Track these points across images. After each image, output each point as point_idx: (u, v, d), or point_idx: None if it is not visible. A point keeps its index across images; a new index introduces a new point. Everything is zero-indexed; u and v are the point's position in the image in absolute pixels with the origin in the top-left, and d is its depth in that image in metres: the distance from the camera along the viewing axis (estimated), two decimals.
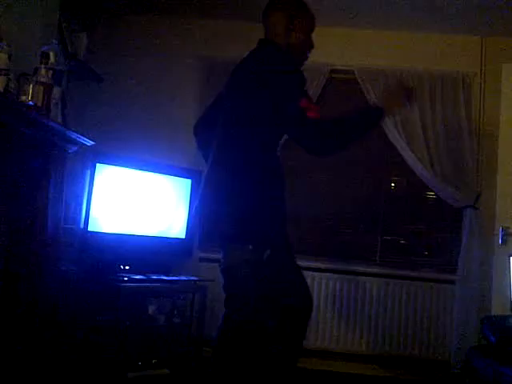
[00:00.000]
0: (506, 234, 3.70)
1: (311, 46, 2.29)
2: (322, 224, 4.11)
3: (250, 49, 4.17)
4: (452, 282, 3.83)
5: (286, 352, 2.20)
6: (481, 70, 3.96)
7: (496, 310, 3.65)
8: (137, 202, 3.55)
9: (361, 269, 3.96)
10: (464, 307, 3.73)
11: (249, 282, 2.03)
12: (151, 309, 3.45)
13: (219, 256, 4.07)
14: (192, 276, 3.61)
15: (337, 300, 3.90)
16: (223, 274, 2.12)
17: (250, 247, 1.98)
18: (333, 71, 4.05)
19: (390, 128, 3.91)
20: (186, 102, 4.10)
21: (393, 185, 4.15)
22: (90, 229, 3.34)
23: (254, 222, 2.00)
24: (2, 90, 2.36)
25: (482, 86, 3.95)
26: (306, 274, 3.85)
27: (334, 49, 4.02)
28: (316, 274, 3.79)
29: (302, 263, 3.85)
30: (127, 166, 3.51)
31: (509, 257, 3.58)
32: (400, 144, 3.91)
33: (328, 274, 3.87)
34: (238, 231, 2.02)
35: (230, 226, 2.03)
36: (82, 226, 3.37)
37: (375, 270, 3.97)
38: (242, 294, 2.05)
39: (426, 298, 3.88)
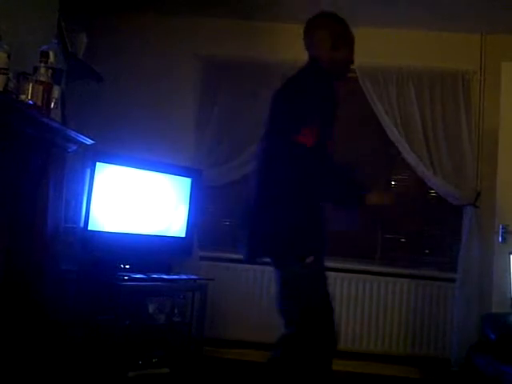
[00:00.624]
0: (505, 232, 3.70)
1: (352, 60, 2.32)
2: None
3: (248, 47, 4.21)
4: (452, 280, 3.83)
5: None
6: (480, 67, 3.95)
7: (496, 307, 3.65)
8: (137, 200, 3.55)
9: (361, 267, 3.96)
10: (464, 305, 3.74)
11: (307, 286, 2.13)
12: (151, 308, 3.45)
13: (219, 255, 4.10)
14: (192, 275, 3.61)
15: (336, 298, 3.89)
16: (283, 285, 2.20)
17: (311, 258, 2.08)
18: None
19: (390, 127, 3.91)
20: (186, 100, 4.11)
21: (393, 183, 4.15)
22: (90, 228, 3.34)
23: (307, 236, 2.10)
24: (1, 89, 2.35)
25: (482, 83, 3.95)
26: None
27: None
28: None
29: None
30: (127, 165, 3.51)
31: (509, 255, 3.58)
32: (400, 142, 3.91)
33: (328, 272, 3.86)
34: (293, 247, 2.09)
35: (286, 244, 2.10)
36: (82, 224, 3.37)
37: (375, 268, 3.97)
38: (306, 298, 2.12)
39: (427, 296, 3.88)
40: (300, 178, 2.06)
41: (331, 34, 2.24)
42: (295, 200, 2.08)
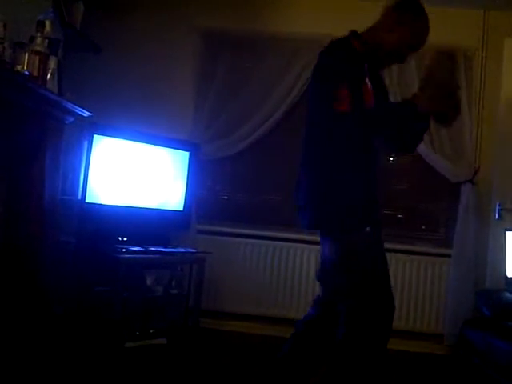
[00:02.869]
0: (502, 209, 3.71)
1: (410, 44, 2.22)
2: None
3: (247, 19, 4.16)
4: (448, 256, 3.86)
5: None
6: (482, 44, 3.91)
7: (491, 284, 3.69)
8: (135, 173, 3.55)
9: None
10: (459, 281, 3.77)
11: (369, 257, 2.07)
12: (149, 280, 3.48)
13: (217, 228, 4.11)
14: (190, 248, 3.63)
15: None
16: (340, 261, 2.08)
17: (368, 229, 2.04)
18: None
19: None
20: (185, 73, 4.06)
21: (391, 159, 4.14)
22: (87, 200, 3.35)
23: (361, 207, 2.07)
24: None
25: (484, 60, 3.91)
26: (302, 247, 3.93)
27: (334, 20, 3.97)
28: (312, 246, 3.80)
29: (298, 236, 3.92)
30: (125, 138, 3.50)
31: (504, 232, 3.60)
32: None
33: None
34: (349, 219, 2.05)
35: (341, 218, 2.05)
36: (79, 197, 3.38)
37: None
38: (366, 270, 2.06)
39: (422, 272, 3.91)
40: (342, 145, 2.05)
41: (394, 20, 2.19)
42: (351, 170, 2.08)
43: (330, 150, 2.09)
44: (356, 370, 2.07)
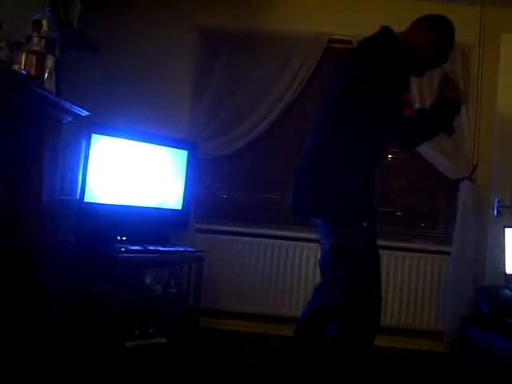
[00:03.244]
0: (501, 206, 3.71)
1: (442, 62, 2.39)
2: None
3: (245, 17, 4.15)
4: (447, 254, 3.86)
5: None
6: (479, 40, 3.91)
7: (490, 281, 3.69)
8: (133, 172, 3.55)
9: None
10: (458, 278, 3.77)
11: (365, 250, 2.22)
12: (148, 279, 3.48)
13: (215, 227, 4.11)
14: (188, 247, 3.63)
15: None
16: (336, 252, 2.19)
17: (365, 224, 2.15)
18: (331, 41, 4.00)
19: None
20: (182, 71, 4.06)
21: (389, 156, 4.14)
22: (86, 200, 3.35)
23: (362, 202, 2.16)
24: None
25: (481, 56, 3.91)
26: (301, 245, 3.93)
27: (332, 18, 3.97)
28: (311, 244, 3.80)
29: (296, 234, 3.92)
30: (123, 137, 3.49)
31: (503, 228, 3.60)
32: None
33: None
34: (350, 211, 2.15)
35: (344, 209, 2.14)
36: (78, 196, 3.37)
37: None
38: (361, 262, 2.19)
39: (421, 269, 3.91)
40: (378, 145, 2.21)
41: (432, 39, 2.34)
42: (360, 165, 2.16)
43: (344, 144, 2.14)
44: (349, 365, 2.14)
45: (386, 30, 2.28)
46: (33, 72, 2.56)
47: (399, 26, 3.90)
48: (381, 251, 3.88)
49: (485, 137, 3.87)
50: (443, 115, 2.25)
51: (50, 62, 2.74)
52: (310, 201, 2.19)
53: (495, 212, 3.74)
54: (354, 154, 2.14)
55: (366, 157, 2.17)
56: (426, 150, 3.86)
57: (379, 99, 2.12)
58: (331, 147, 2.16)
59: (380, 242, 3.95)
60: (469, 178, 3.82)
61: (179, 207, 3.78)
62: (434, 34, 2.33)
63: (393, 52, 2.19)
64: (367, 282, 2.17)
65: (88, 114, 3.10)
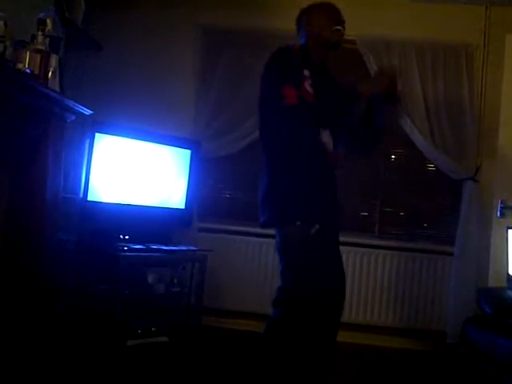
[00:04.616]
0: (504, 207, 3.70)
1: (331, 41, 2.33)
2: None
3: (249, 16, 4.15)
4: (450, 254, 3.85)
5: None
6: (484, 40, 3.89)
7: (493, 281, 3.68)
8: (136, 171, 3.55)
9: (359, 240, 3.98)
10: (461, 279, 3.76)
11: (299, 255, 2.16)
12: (151, 278, 3.48)
13: (218, 226, 4.11)
14: (191, 246, 3.63)
15: None
16: (277, 251, 2.25)
17: (298, 223, 2.13)
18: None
19: None
20: (186, 70, 4.06)
21: (393, 156, 4.14)
22: (89, 198, 3.35)
23: (298, 201, 2.16)
24: None
25: (485, 57, 3.89)
26: None
27: None
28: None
29: None
30: (126, 136, 3.49)
31: (506, 229, 3.59)
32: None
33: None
34: (283, 211, 2.18)
35: (275, 208, 2.20)
36: (81, 195, 3.37)
37: (374, 241, 3.99)
38: (294, 267, 2.18)
39: (424, 270, 3.90)
40: (289, 143, 2.17)
41: (300, 20, 2.37)
42: (289, 167, 2.18)
43: (273, 151, 2.22)
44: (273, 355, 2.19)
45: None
46: (37, 71, 2.58)
47: (402, 26, 3.94)
48: (384, 252, 3.94)
49: (488, 137, 3.85)
50: (343, 98, 2.20)
51: (53, 60, 2.75)
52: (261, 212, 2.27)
53: (498, 213, 3.73)
54: (286, 161, 2.18)
55: (297, 158, 2.18)
56: (429, 149, 3.85)
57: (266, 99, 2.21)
58: (268, 158, 2.24)
59: (383, 243, 4.00)
60: (472, 178, 3.81)
61: (182, 206, 3.78)
62: (309, 18, 2.34)
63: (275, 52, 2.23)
64: (297, 282, 2.17)
65: (91, 112, 3.10)
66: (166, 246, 3.52)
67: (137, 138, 3.54)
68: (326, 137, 2.22)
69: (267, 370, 2.21)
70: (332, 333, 2.29)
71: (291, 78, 2.12)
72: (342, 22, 2.34)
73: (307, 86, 2.11)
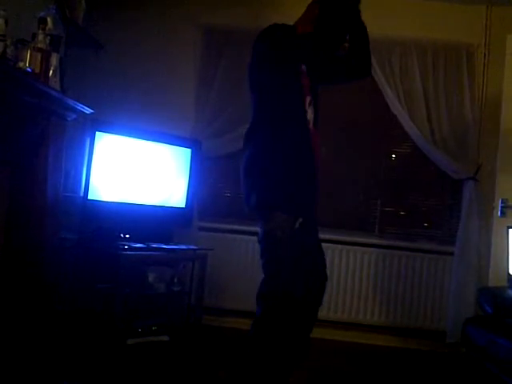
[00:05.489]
0: (505, 207, 3.70)
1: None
2: (321, 195, 4.09)
3: (249, 16, 4.15)
4: (451, 254, 3.85)
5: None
6: (485, 40, 3.89)
7: (493, 281, 3.68)
8: (137, 170, 3.55)
9: (360, 239, 3.98)
10: (462, 278, 3.76)
11: (282, 247, 2.14)
12: (151, 277, 3.48)
13: (218, 225, 4.11)
14: (191, 245, 3.63)
15: (335, 270, 3.92)
16: (260, 243, 2.21)
17: (284, 216, 2.12)
18: None
19: (392, 98, 3.88)
20: (186, 70, 4.06)
21: (393, 156, 4.14)
22: (90, 197, 3.35)
23: (285, 191, 2.16)
24: None
25: (486, 56, 3.89)
26: None
27: None
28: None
29: None
30: (127, 135, 3.49)
31: (507, 229, 3.59)
32: (401, 114, 3.88)
33: (326, 244, 3.86)
34: (270, 201, 2.17)
35: (262, 197, 2.19)
36: (82, 194, 3.38)
37: (374, 240, 3.99)
38: (277, 259, 2.16)
39: (425, 269, 3.91)
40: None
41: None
42: (282, 162, 2.20)
43: (255, 146, 2.28)
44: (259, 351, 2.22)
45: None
46: (37, 69, 2.58)
47: (404, 24, 3.94)
48: (384, 251, 3.93)
49: (489, 137, 3.85)
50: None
51: (54, 59, 2.75)
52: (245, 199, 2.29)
53: (499, 212, 3.73)
54: (266, 149, 2.22)
55: (281, 149, 2.19)
56: (429, 149, 3.85)
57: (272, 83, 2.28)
58: (249, 146, 2.31)
59: (383, 242, 4.00)
60: (473, 178, 3.80)
61: (183, 205, 3.78)
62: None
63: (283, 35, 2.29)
64: (278, 273, 2.16)
65: (92, 111, 3.10)
66: (167, 244, 3.52)
67: (137, 137, 3.54)
68: (310, 113, 2.28)
69: (257, 368, 2.22)
70: (308, 328, 2.32)
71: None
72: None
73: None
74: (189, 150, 3.79)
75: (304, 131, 2.25)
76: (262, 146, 2.24)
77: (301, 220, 2.14)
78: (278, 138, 2.20)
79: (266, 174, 2.19)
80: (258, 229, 2.23)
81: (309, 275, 2.27)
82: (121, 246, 3.27)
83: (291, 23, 2.47)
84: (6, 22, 2.41)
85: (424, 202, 4.09)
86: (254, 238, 3.85)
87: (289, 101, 2.24)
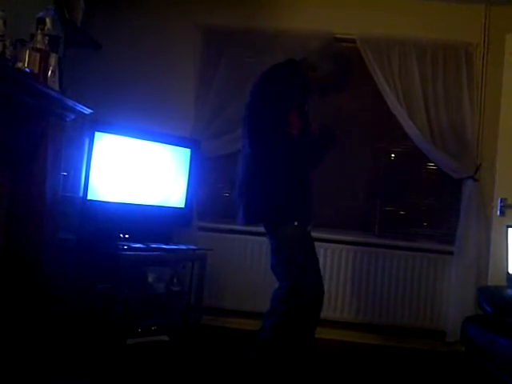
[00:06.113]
0: (504, 206, 3.69)
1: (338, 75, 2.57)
2: (321, 194, 4.09)
3: (249, 16, 4.15)
4: (450, 253, 3.85)
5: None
6: (484, 39, 3.90)
7: (493, 280, 3.67)
8: (136, 170, 3.55)
9: (359, 239, 3.98)
10: (461, 277, 3.77)
11: (299, 250, 2.42)
12: (151, 277, 3.48)
13: (217, 226, 4.11)
14: (191, 245, 3.63)
15: (334, 270, 3.93)
16: (276, 252, 2.49)
17: (296, 223, 2.39)
18: (335, 39, 3.98)
19: (391, 98, 3.88)
20: (186, 70, 4.06)
21: (393, 155, 4.14)
22: (89, 197, 3.35)
23: (293, 203, 2.42)
24: None
25: (485, 56, 3.90)
26: None
27: (337, 16, 3.96)
28: (315, 243, 3.79)
29: None
30: (126, 135, 3.49)
31: (506, 228, 3.59)
32: (401, 114, 3.88)
33: (326, 243, 3.88)
34: (281, 213, 2.42)
35: (275, 212, 2.43)
36: (81, 194, 3.38)
37: (374, 240, 3.99)
38: (298, 261, 2.41)
39: (424, 269, 3.91)
40: (286, 161, 2.41)
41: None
42: (282, 176, 2.42)
43: (265, 161, 2.43)
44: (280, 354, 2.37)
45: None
46: (36, 70, 2.57)
47: (403, 24, 3.94)
48: (384, 250, 3.94)
49: (488, 136, 3.85)
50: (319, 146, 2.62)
51: (53, 59, 2.75)
52: (245, 212, 2.47)
53: (498, 212, 3.72)
54: (273, 166, 2.41)
55: (285, 166, 2.41)
56: (429, 148, 3.85)
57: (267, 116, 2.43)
58: (256, 165, 2.45)
59: (383, 241, 4.00)
60: (472, 177, 3.81)
61: (182, 205, 3.78)
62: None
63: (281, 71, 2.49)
64: (301, 279, 2.38)
65: (91, 111, 3.10)
66: (166, 245, 3.52)
67: (136, 137, 3.54)
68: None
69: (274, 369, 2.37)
70: (313, 328, 2.45)
71: (298, 100, 2.39)
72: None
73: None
74: (188, 150, 3.79)
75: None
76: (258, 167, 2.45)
77: (296, 223, 2.39)
78: (268, 157, 2.42)
79: (270, 192, 2.42)
80: (269, 241, 2.51)
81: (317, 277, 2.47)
82: (120, 247, 3.27)
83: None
84: (5, 23, 2.40)
85: (423, 202, 4.09)
86: (254, 238, 3.93)
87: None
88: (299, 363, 2.41)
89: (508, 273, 3.49)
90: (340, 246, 3.95)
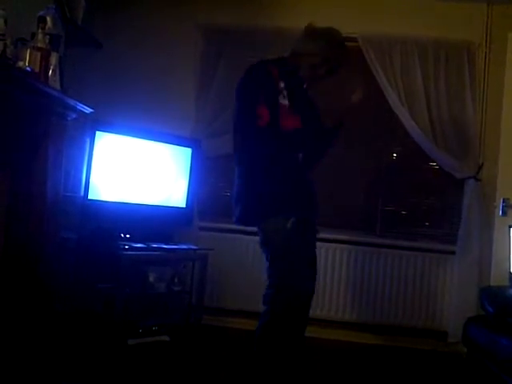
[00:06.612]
0: (506, 206, 3.69)
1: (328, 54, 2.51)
2: (322, 194, 4.08)
3: (249, 16, 4.14)
4: (452, 253, 3.84)
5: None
6: (486, 38, 3.88)
7: (495, 280, 3.67)
8: (137, 170, 3.54)
9: (361, 239, 3.97)
10: (463, 277, 3.76)
11: (279, 247, 2.29)
12: (152, 277, 3.48)
13: (218, 225, 4.11)
14: (192, 245, 3.62)
15: (336, 270, 3.92)
16: (263, 246, 2.36)
17: (274, 218, 2.27)
18: None
19: (393, 97, 3.87)
20: (186, 69, 4.05)
21: (394, 155, 4.13)
22: (90, 197, 3.35)
23: (274, 199, 2.30)
24: None
25: (487, 54, 3.88)
26: None
27: (337, 15, 3.94)
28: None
29: None
30: (127, 134, 3.49)
31: (509, 228, 3.58)
32: (402, 113, 3.87)
33: (328, 243, 3.87)
34: (266, 208, 2.30)
35: (260, 206, 2.33)
36: (82, 194, 3.37)
37: (376, 240, 3.98)
38: (283, 256, 2.29)
39: (426, 269, 3.90)
40: (264, 155, 2.32)
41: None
42: (263, 172, 2.32)
43: (249, 161, 2.36)
44: (271, 354, 2.29)
45: None
46: (37, 69, 2.57)
47: (405, 23, 3.93)
48: (385, 250, 3.92)
49: (491, 136, 3.84)
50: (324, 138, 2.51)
51: (54, 58, 2.74)
52: (234, 211, 2.39)
53: (500, 212, 3.71)
54: (262, 162, 2.32)
55: (275, 161, 2.32)
56: (431, 148, 3.84)
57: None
58: (241, 162, 2.39)
59: (384, 241, 3.99)
60: (474, 177, 3.80)
61: (183, 205, 3.78)
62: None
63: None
64: (288, 276, 2.28)
65: (92, 111, 3.09)
66: (167, 244, 3.51)
67: (137, 137, 3.53)
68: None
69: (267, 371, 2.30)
70: (302, 328, 2.37)
71: (265, 95, 2.34)
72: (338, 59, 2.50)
73: (281, 99, 2.29)
74: (189, 150, 3.78)
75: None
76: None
77: (293, 219, 2.23)
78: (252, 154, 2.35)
79: (253, 189, 2.33)
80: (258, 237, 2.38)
81: (301, 278, 2.33)
82: (121, 246, 3.26)
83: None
84: (6, 22, 2.40)
85: (425, 201, 4.08)
86: (255, 238, 3.85)
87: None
88: (291, 364, 2.34)
89: (510, 272, 3.49)
90: (341, 245, 3.94)
